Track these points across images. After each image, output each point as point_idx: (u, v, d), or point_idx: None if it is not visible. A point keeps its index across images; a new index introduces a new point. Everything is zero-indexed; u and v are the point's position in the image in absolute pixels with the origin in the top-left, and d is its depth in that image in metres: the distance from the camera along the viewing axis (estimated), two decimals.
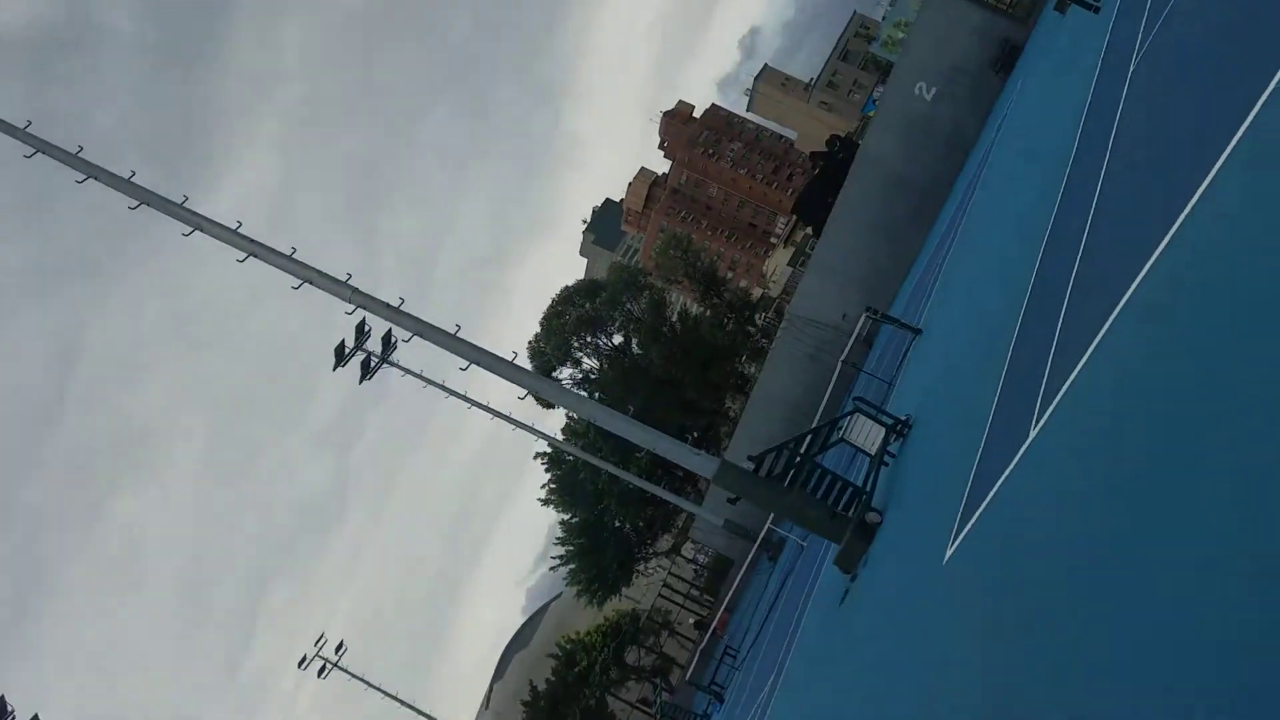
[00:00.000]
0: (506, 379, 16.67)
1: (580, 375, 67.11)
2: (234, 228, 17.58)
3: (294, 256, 17.19)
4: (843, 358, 32.06)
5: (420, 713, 47.39)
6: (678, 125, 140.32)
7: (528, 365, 66.63)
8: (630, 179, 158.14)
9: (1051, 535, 6.14)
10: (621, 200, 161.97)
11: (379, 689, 46.67)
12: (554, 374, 66.68)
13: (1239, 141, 5.52)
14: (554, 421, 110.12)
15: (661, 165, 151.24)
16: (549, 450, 59.62)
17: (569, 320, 65.63)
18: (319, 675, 46.30)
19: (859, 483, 14.75)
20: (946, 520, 9.32)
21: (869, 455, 15.26)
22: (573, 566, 62.25)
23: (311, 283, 17.10)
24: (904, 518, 12.72)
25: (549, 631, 66.15)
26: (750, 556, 37.15)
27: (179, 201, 17.89)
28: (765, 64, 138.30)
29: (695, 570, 69.00)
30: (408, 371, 32.77)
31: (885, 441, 15.25)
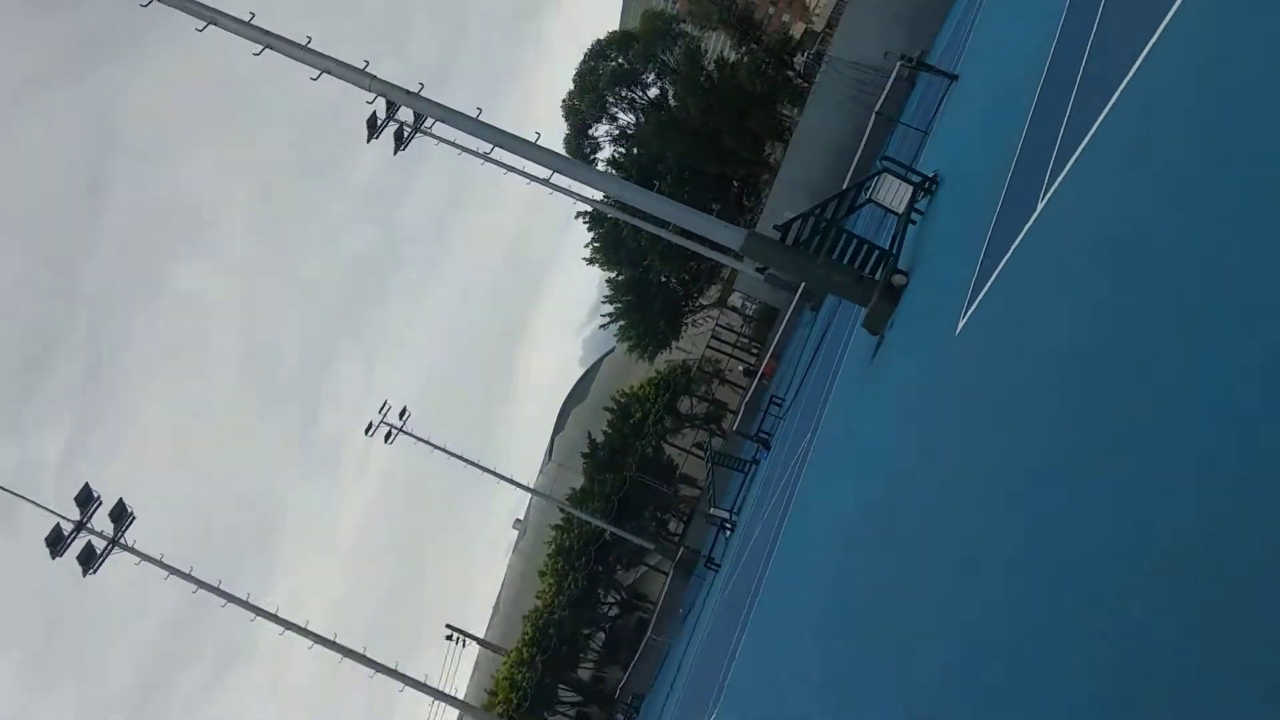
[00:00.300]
0: (531, 159, 16.61)
1: (616, 131, 66.13)
2: (247, 19, 17.23)
3: (309, 46, 16.92)
4: (876, 108, 31.18)
5: (485, 469, 49.91)
6: None
7: (563, 124, 65.69)
8: None
9: (1054, 312, 6.29)
10: None
11: (444, 450, 49.06)
12: (590, 131, 65.77)
13: None
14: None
15: None
16: (590, 210, 59.66)
17: (603, 76, 64.02)
18: (386, 441, 48.66)
19: (886, 244, 14.81)
20: (959, 291, 9.46)
21: (897, 215, 15.24)
22: (622, 323, 63.50)
23: (329, 72, 16.88)
24: (926, 280, 12.85)
25: (604, 386, 68.37)
26: (791, 308, 37.60)
27: None
28: None
29: (743, 320, 70.17)
30: (441, 140, 32.50)
31: (912, 200, 15.18)
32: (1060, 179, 7.42)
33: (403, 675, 29.71)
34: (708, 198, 60.44)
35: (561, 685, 60.60)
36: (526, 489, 57.17)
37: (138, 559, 29.22)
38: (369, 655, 29.64)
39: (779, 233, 14.30)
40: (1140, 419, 3.99)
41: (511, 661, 58.04)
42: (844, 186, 18.18)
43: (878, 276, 14.15)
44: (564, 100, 65.33)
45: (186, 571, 29.13)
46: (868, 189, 15.60)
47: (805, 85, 60.73)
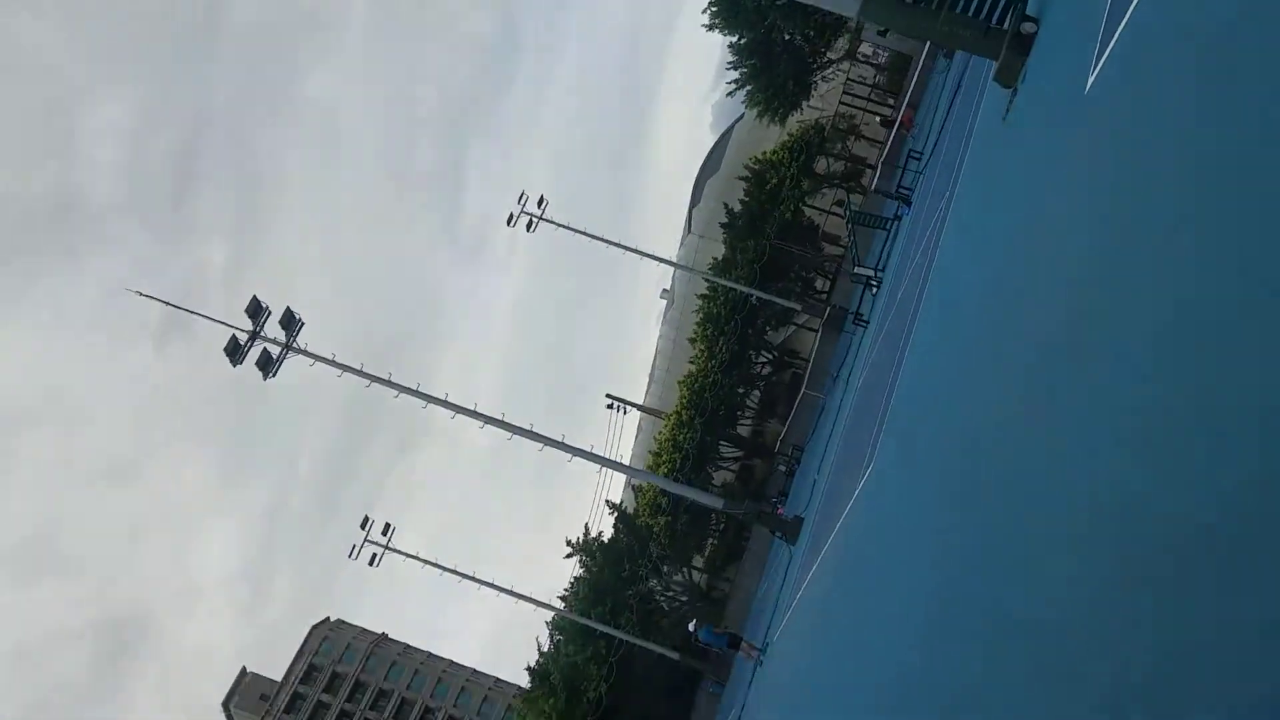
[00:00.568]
0: None
1: None
2: None
3: None
4: None
5: (627, 248, 50.87)
6: None
7: None
8: None
9: (1187, 63, 6.32)
10: None
11: (585, 233, 50.11)
12: None
13: None
14: None
15: None
16: None
17: None
18: (528, 230, 49.97)
19: None
20: (1089, 39, 9.29)
21: None
22: (749, 88, 61.92)
23: None
24: (1058, 25, 12.46)
25: (736, 154, 67.53)
26: (924, 53, 36.08)
27: None
28: None
29: (875, 70, 67.38)
30: None
31: None
32: None
33: (569, 446, 31.61)
34: None
35: (722, 442, 63.26)
36: (669, 263, 58.04)
37: (311, 360, 31.49)
38: (536, 430, 31.60)
39: None
40: None
41: (672, 424, 60.63)
42: None
43: (1005, 25, 13.75)
44: None
45: (357, 368, 31.31)
46: None
47: None
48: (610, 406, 65.27)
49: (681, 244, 71.36)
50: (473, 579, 44.68)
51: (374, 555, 43.96)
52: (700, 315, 61.80)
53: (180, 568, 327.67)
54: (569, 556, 57.25)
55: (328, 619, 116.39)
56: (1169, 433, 4.25)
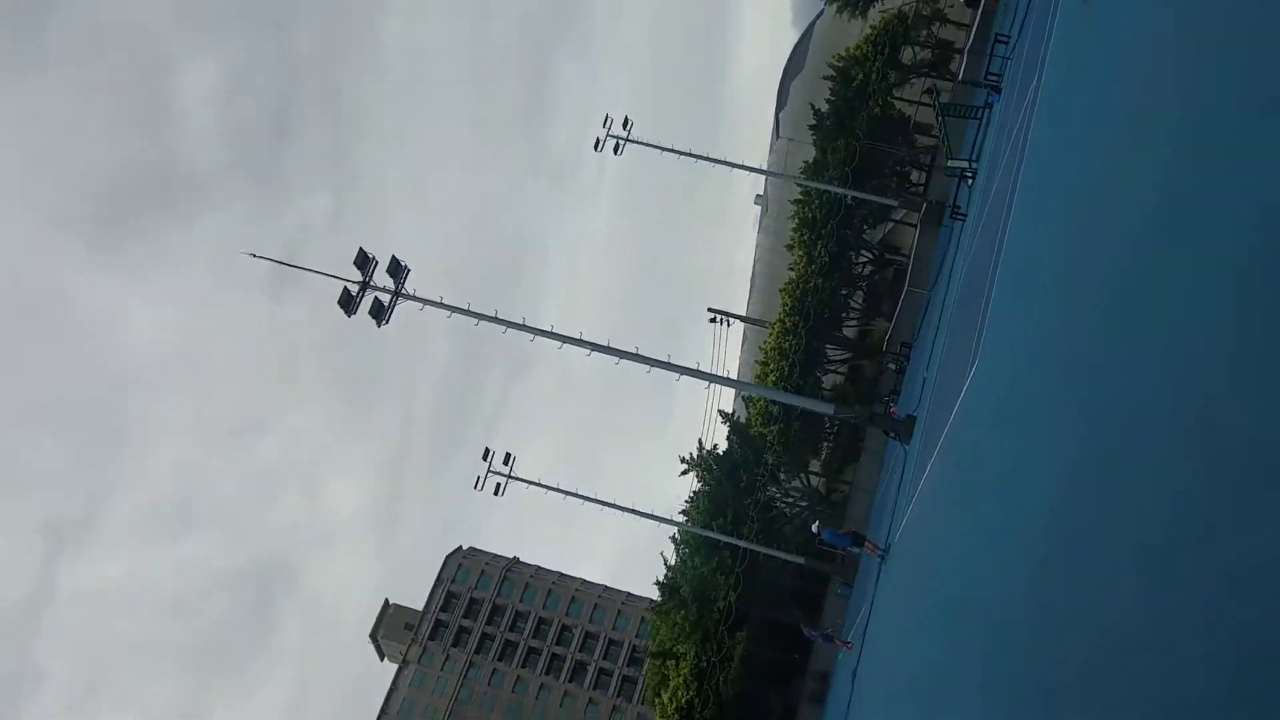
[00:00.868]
0: None
1: None
2: None
3: None
4: None
5: (716, 160, 50.57)
6: None
7: None
8: None
9: None
10: None
11: (674, 150, 49.95)
12: None
13: None
14: None
15: None
16: None
17: None
18: (615, 153, 50.03)
19: None
20: None
21: None
22: None
23: None
24: None
25: (819, 53, 65.96)
26: None
27: None
28: None
29: None
30: None
31: None
32: None
33: (675, 365, 32.03)
34: None
35: (829, 345, 63.08)
36: (760, 171, 57.50)
37: (421, 304, 32.47)
38: (641, 353, 32.10)
39: None
40: None
41: (776, 333, 60.59)
42: None
43: None
44: None
45: (465, 307, 32.17)
46: None
47: None
48: (713, 320, 65.54)
49: (771, 149, 70.49)
50: (594, 500, 45.92)
51: (498, 485, 45.49)
52: (796, 221, 61.21)
53: (315, 510, 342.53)
54: (685, 473, 58.24)
55: (460, 548, 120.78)
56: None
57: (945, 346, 27.83)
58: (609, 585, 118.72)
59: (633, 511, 46.41)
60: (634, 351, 31.73)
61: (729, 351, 72.45)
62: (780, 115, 67.59)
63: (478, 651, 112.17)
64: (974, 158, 33.36)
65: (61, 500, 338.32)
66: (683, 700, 51.71)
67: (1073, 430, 8.18)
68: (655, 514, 48.28)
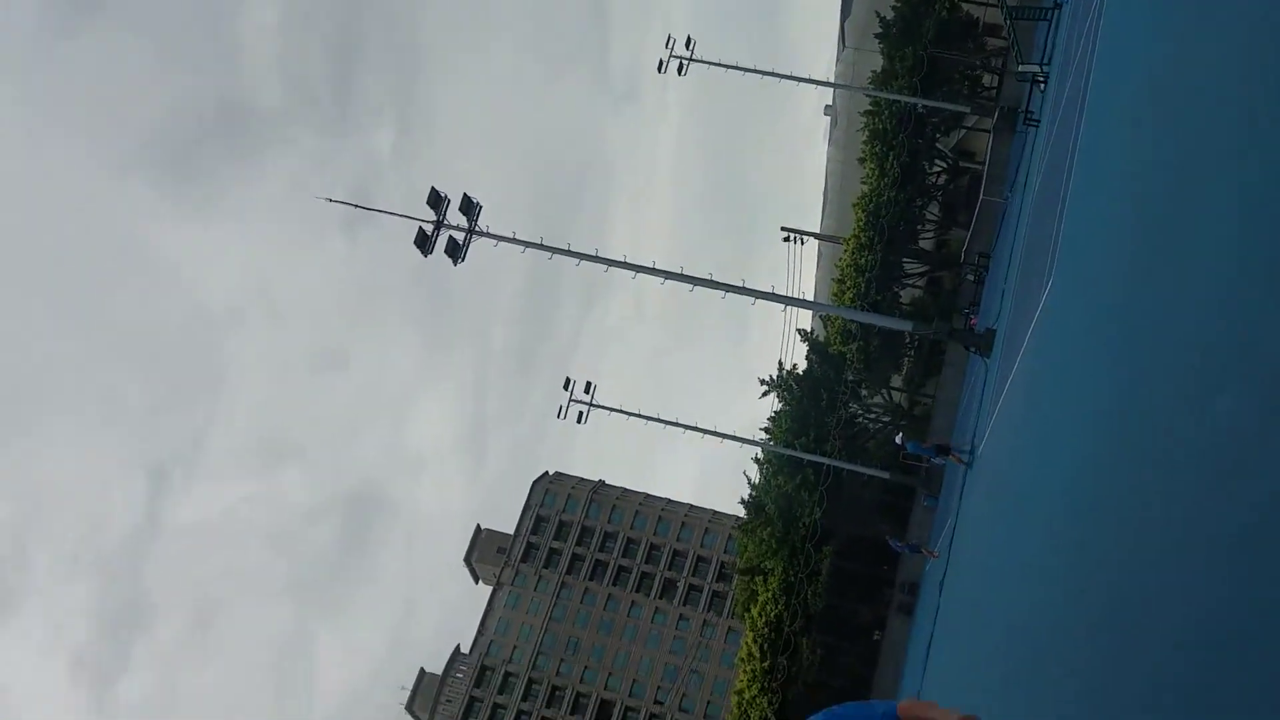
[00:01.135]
0: None
1: None
2: None
3: None
4: None
5: (783, 75, 49.97)
6: None
7: None
8: None
9: None
10: None
11: (738, 68, 49.45)
12: None
13: None
14: None
15: None
16: None
17: None
18: (679, 73, 49.72)
19: None
20: None
21: None
22: None
23: None
24: None
25: None
26: None
27: None
28: None
29: None
30: None
31: None
32: None
33: (750, 290, 32.20)
34: None
35: (906, 259, 62.48)
36: (827, 84, 56.67)
37: (495, 241, 33.00)
38: (715, 279, 32.32)
39: None
40: None
41: (851, 248, 60.16)
42: None
43: None
44: None
45: (538, 241, 32.66)
46: None
47: None
48: (787, 239, 65.25)
49: (838, 59, 69.15)
50: (676, 424, 46.66)
51: (580, 413, 46.47)
52: (866, 133, 60.27)
53: (402, 441, 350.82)
54: (765, 394, 58.62)
55: (546, 473, 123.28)
56: None
57: (1023, 257, 27.63)
58: (694, 504, 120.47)
59: (715, 434, 47.09)
60: (708, 278, 31.98)
61: (805, 269, 72.05)
62: (845, 24, 66.16)
63: (569, 572, 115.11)
64: (1045, 61, 32.58)
65: (162, 438, 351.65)
66: (772, 615, 52.80)
67: (1150, 338, 8.38)
68: (736, 435, 48.94)
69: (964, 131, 62.61)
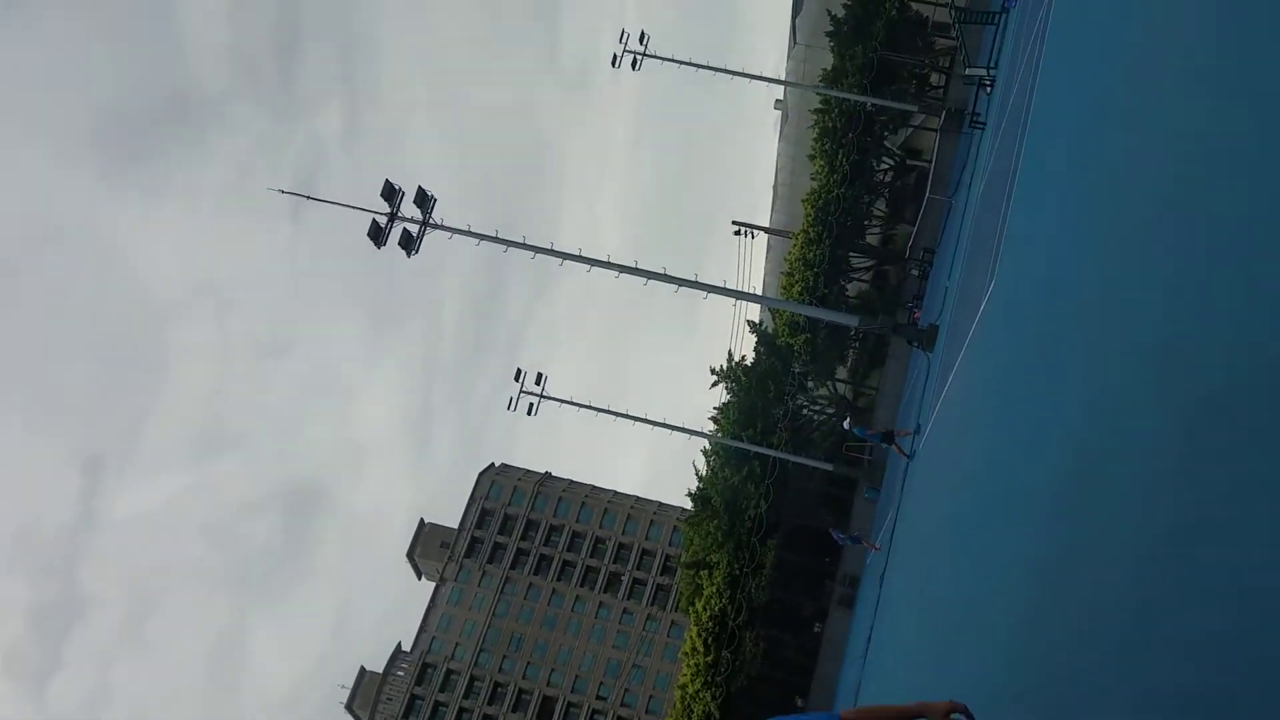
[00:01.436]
0: None
1: None
2: None
3: None
4: None
5: (734, 73, 50.19)
6: None
7: None
8: None
9: None
10: None
11: (691, 64, 49.53)
12: None
13: None
14: None
15: None
16: None
17: None
18: (633, 68, 49.74)
19: None
20: None
21: None
22: None
23: None
24: None
25: None
26: None
27: None
28: None
29: None
30: None
31: None
32: None
33: (703, 284, 32.45)
34: None
35: (853, 254, 63.13)
36: (779, 82, 57.03)
37: (450, 234, 32.88)
38: (669, 272, 32.50)
39: None
40: None
41: (800, 243, 60.64)
42: None
43: None
44: None
45: (493, 235, 32.58)
46: None
47: None
48: (738, 233, 65.59)
49: (789, 56, 69.59)
50: (625, 416, 46.78)
51: (530, 405, 46.40)
52: (816, 130, 60.79)
53: (345, 432, 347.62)
54: (715, 385, 58.96)
55: (492, 465, 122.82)
56: None
57: (967, 255, 28.08)
58: (641, 496, 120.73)
59: (663, 425, 47.27)
60: (661, 271, 32.14)
61: (754, 262, 72.57)
62: (796, 21, 66.59)
63: (513, 567, 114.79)
64: (992, 65, 33.10)
65: (99, 429, 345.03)
66: (716, 608, 53.17)
67: (1090, 341, 8.58)
68: (685, 426, 49.17)
69: (911, 130, 63.35)
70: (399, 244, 32.40)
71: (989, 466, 13.54)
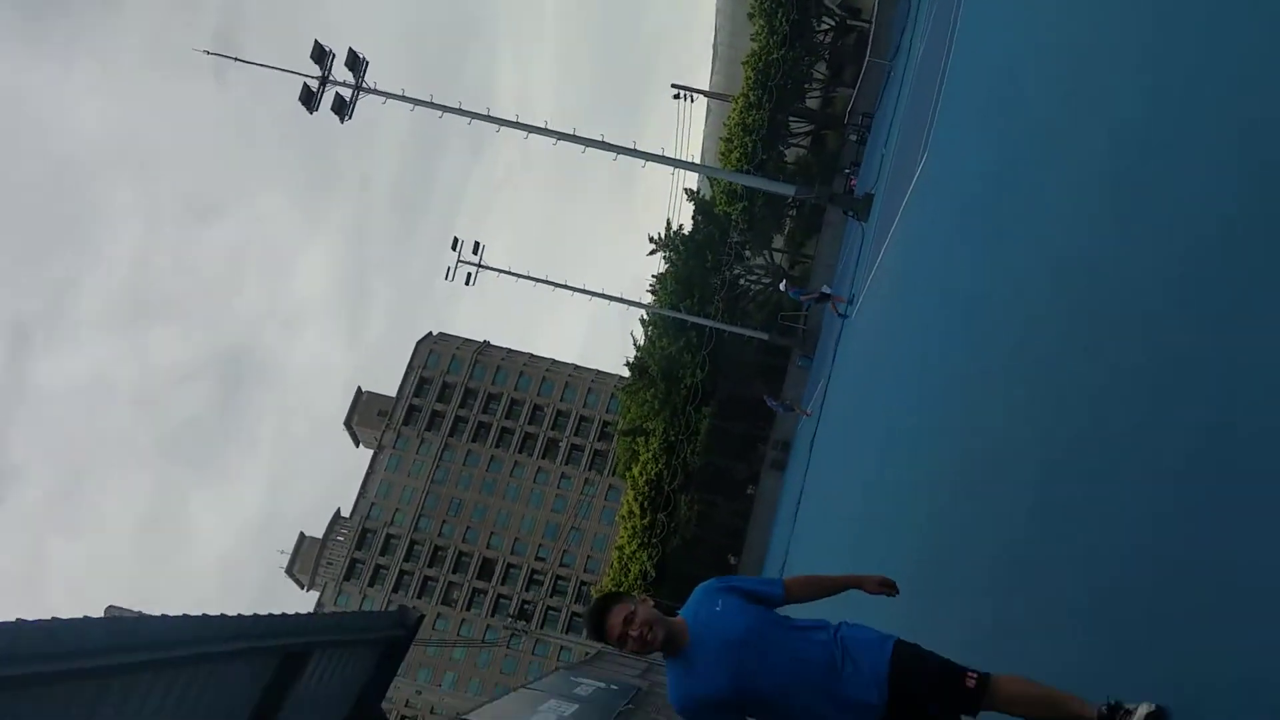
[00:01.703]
0: None
1: None
2: None
3: None
4: None
5: None
6: None
7: None
8: None
9: None
10: None
11: None
12: None
13: None
14: None
15: None
16: None
17: None
18: None
19: None
20: None
21: None
22: None
23: None
24: None
25: None
26: None
27: None
28: None
29: None
30: None
31: None
32: None
33: (641, 153, 31.92)
34: None
35: (792, 118, 62.50)
36: None
37: (384, 98, 31.83)
38: (607, 140, 31.93)
39: None
40: None
41: (740, 107, 59.84)
42: None
43: None
44: None
45: (428, 100, 31.59)
46: None
47: None
48: (677, 96, 64.44)
49: None
50: (564, 286, 46.57)
51: (469, 274, 45.90)
52: None
53: (279, 298, 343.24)
54: (653, 253, 58.80)
55: (430, 334, 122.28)
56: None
57: (903, 124, 27.93)
58: (579, 364, 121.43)
59: (601, 295, 47.18)
60: (599, 139, 31.58)
61: (694, 126, 71.67)
62: None
63: (452, 434, 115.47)
64: None
65: (22, 297, 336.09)
66: (652, 473, 54.22)
67: (1017, 218, 8.64)
68: (623, 297, 49.14)
69: None
70: (331, 109, 31.34)
71: (915, 340, 13.75)
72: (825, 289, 37.09)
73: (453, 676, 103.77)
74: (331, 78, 31.08)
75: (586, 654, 35.57)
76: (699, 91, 68.39)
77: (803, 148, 64.86)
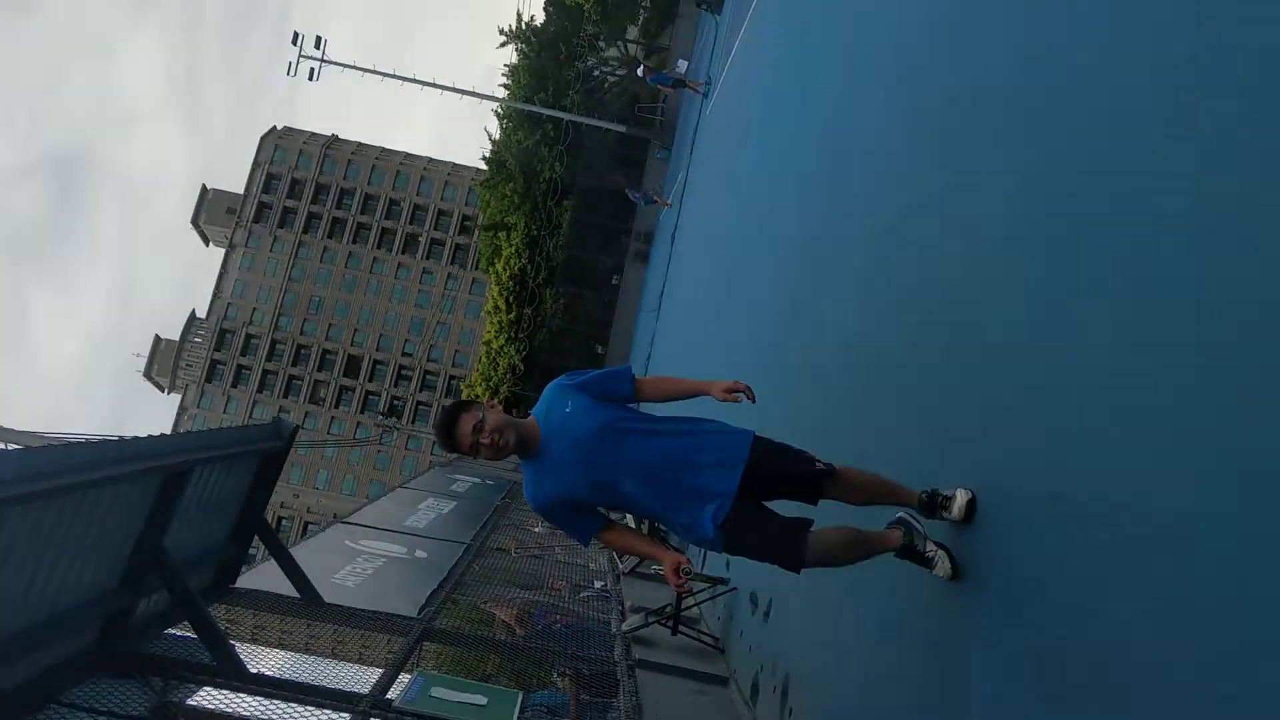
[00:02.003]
0: None
1: None
2: None
3: None
4: None
5: None
6: None
7: None
8: None
9: None
10: None
11: None
12: None
13: None
14: None
15: None
16: None
17: None
18: None
19: None
20: None
21: None
22: None
23: None
24: None
25: None
26: None
27: None
28: None
29: None
30: None
31: None
32: None
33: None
34: None
35: None
36: None
37: None
38: None
39: None
40: None
41: None
42: None
43: None
44: None
45: None
46: None
47: None
48: None
49: None
50: (413, 80, 44.86)
51: (311, 70, 43.67)
52: None
53: (108, 95, 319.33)
54: (503, 45, 56.74)
55: (275, 128, 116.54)
56: None
57: None
58: (434, 158, 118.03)
59: (452, 89, 45.66)
60: None
61: None
62: None
63: (306, 231, 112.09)
64: None
65: None
66: (516, 268, 54.10)
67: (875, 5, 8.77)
68: (475, 90, 47.64)
69: None
70: None
71: (772, 127, 14.01)
72: (680, 71, 37.01)
73: (326, 475, 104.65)
74: None
75: None
76: None
77: None
